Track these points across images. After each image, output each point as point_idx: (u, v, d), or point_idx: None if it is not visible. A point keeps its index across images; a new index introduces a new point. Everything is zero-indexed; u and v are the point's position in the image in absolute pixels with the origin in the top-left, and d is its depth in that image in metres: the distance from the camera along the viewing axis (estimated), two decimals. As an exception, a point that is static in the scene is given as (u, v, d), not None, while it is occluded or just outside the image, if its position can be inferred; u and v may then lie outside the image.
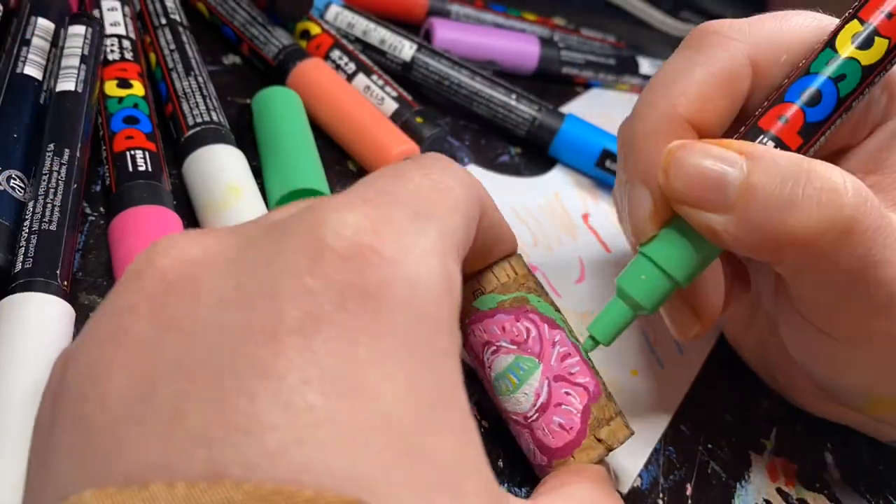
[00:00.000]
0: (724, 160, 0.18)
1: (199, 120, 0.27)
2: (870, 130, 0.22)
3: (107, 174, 0.25)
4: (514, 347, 0.19)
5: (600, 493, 0.18)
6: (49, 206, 0.22)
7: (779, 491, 0.25)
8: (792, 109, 0.19)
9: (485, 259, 0.20)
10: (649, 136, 0.20)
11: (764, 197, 0.18)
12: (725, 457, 0.25)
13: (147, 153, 0.25)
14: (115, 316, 0.12)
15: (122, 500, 0.10)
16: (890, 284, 0.18)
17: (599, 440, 0.19)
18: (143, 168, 0.24)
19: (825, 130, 0.19)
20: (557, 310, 0.20)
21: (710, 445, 0.25)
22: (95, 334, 0.12)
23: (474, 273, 0.20)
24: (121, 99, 0.27)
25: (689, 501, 0.23)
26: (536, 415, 0.19)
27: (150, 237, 0.22)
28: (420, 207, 0.14)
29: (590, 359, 0.20)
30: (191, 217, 0.26)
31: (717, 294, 0.22)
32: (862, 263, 0.18)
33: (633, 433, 0.20)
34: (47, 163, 0.23)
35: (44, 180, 0.22)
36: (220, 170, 0.25)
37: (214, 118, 0.27)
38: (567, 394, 0.19)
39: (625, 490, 0.22)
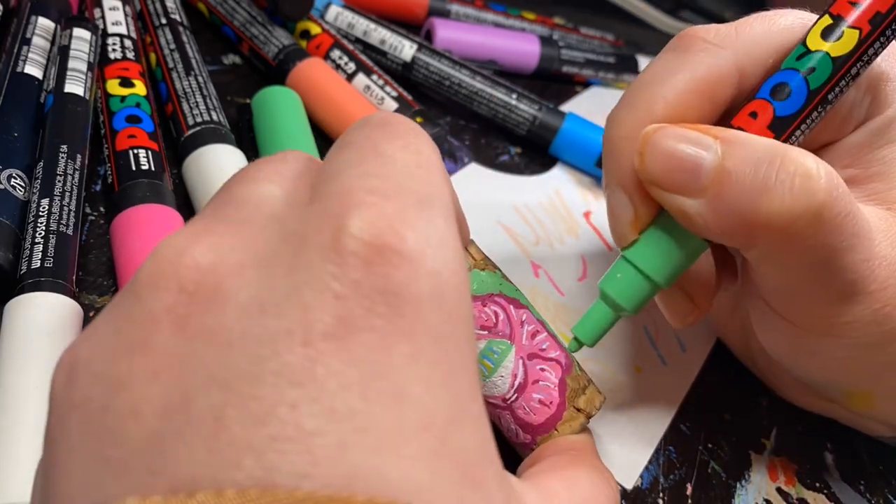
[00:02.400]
0: (699, 144, 0.18)
1: (199, 120, 0.27)
2: (853, 128, 0.22)
3: (108, 173, 0.25)
4: (485, 333, 0.19)
5: (598, 479, 0.18)
6: (66, 209, 0.22)
7: (779, 491, 0.25)
8: (761, 105, 0.19)
9: None
10: (626, 140, 0.20)
11: (737, 181, 0.18)
12: (725, 457, 0.25)
13: (150, 152, 0.25)
14: (134, 327, 0.12)
15: None
16: (853, 272, 0.19)
17: (578, 409, 0.19)
18: (145, 167, 0.24)
19: (797, 124, 0.19)
20: (517, 288, 0.21)
21: (710, 445, 0.25)
22: (111, 344, 0.12)
23: None
24: (123, 98, 0.27)
25: (689, 501, 0.23)
26: (515, 395, 0.19)
27: (152, 236, 0.22)
28: (419, 192, 0.13)
29: (554, 332, 0.20)
30: (191, 216, 0.26)
31: (710, 278, 0.22)
32: (829, 250, 0.18)
33: (605, 399, 0.20)
34: (61, 164, 0.23)
35: (58, 181, 0.22)
36: (220, 169, 0.25)
37: (214, 118, 0.27)
38: (542, 370, 0.19)
39: (629, 486, 0.22)
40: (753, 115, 0.19)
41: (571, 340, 0.21)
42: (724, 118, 0.21)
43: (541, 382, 0.19)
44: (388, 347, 0.11)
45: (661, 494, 0.23)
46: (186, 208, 0.26)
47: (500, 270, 0.21)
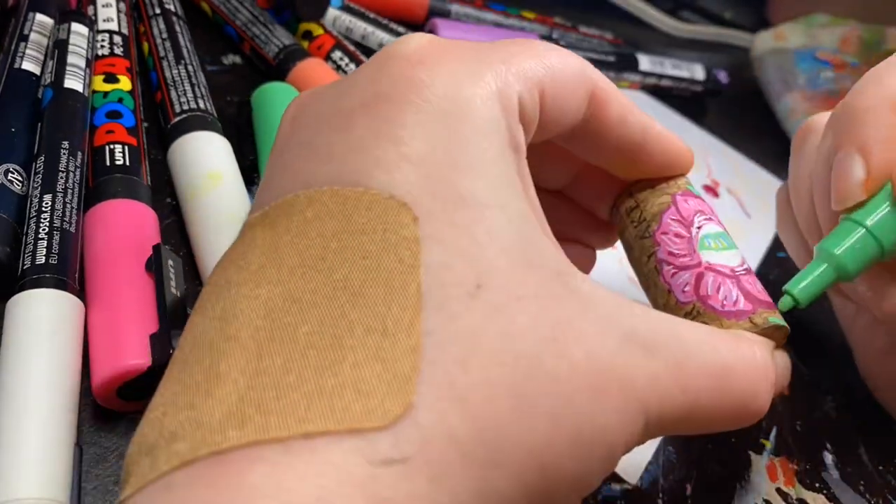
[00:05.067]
0: None
1: (185, 108, 0.27)
2: None
3: (86, 169, 0.25)
4: (722, 227, 0.21)
5: (759, 371, 0.17)
6: (68, 206, 0.22)
7: (779, 491, 0.25)
8: None
9: (650, 160, 0.21)
10: (870, 112, 0.21)
11: None
12: (725, 457, 0.25)
13: (127, 147, 0.25)
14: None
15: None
16: None
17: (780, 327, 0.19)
18: (120, 162, 0.24)
19: None
20: None
21: (710, 445, 0.25)
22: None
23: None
24: (106, 94, 0.27)
25: (689, 501, 0.23)
26: (744, 272, 0.20)
27: (123, 231, 0.22)
28: (500, 48, 0.17)
29: None
30: (174, 203, 0.26)
31: None
32: None
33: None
34: (63, 161, 0.23)
35: (60, 178, 0.22)
36: (203, 156, 0.25)
37: (202, 106, 0.28)
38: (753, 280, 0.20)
39: (633, 482, 0.22)
40: None
41: (784, 297, 0.20)
42: None
43: (759, 283, 0.20)
44: (401, 110, 0.15)
45: (660, 494, 0.23)
46: (171, 195, 0.26)
47: None
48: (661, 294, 0.20)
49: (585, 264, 0.24)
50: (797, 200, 0.25)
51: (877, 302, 0.22)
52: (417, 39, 0.16)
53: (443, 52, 0.16)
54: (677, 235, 0.21)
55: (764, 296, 0.20)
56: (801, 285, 0.20)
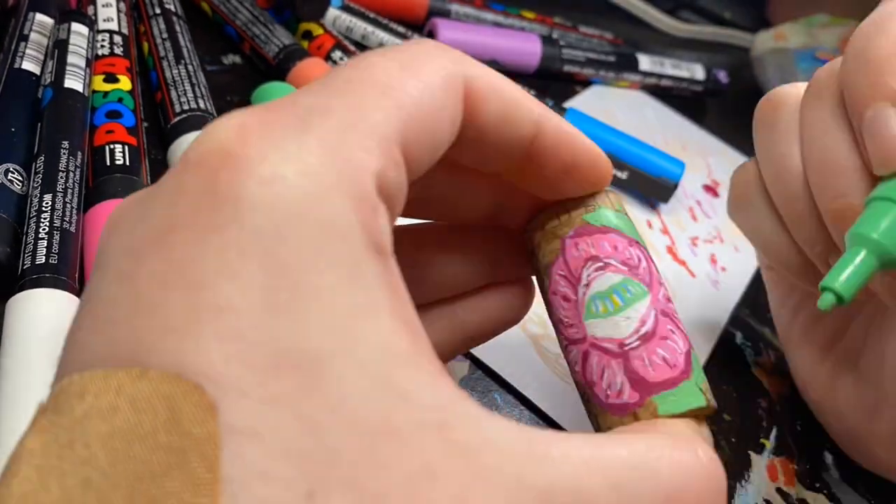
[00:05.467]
0: None
1: (185, 107, 0.27)
2: None
3: (86, 169, 0.25)
4: (625, 269, 0.17)
5: (692, 462, 0.13)
6: (68, 205, 0.22)
7: (779, 491, 0.25)
8: None
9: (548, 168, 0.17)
10: (894, 57, 0.18)
11: None
12: (725, 457, 0.25)
13: (127, 147, 0.25)
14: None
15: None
16: None
17: (701, 390, 0.16)
18: (120, 162, 0.24)
19: None
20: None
21: (710, 445, 0.25)
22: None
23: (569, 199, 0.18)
24: (106, 94, 0.27)
25: (690, 501, 0.23)
26: (638, 343, 0.16)
27: None
28: (322, 105, 0.12)
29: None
30: None
31: None
32: None
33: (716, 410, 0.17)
34: (63, 161, 0.23)
35: (61, 178, 0.22)
36: None
37: (202, 106, 0.28)
38: (672, 331, 0.16)
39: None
40: None
41: (824, 296, 0.17)
42: None
43: (668, 342, 0.16)
44: (200, 241, 0.11)
45: (660, 494, 0.23)
46: None
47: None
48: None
49: (523, 303, 0.20)
50: (778, 184, 0.22)
51: (889, 297, 0.20)
52: (226, 125, 0.12)
53: (257, 139, 0.12)
54: (565, 298, 0.17)
55: (663, 370, 0.16)
56: (842, 277, 0.17)
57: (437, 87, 0.13)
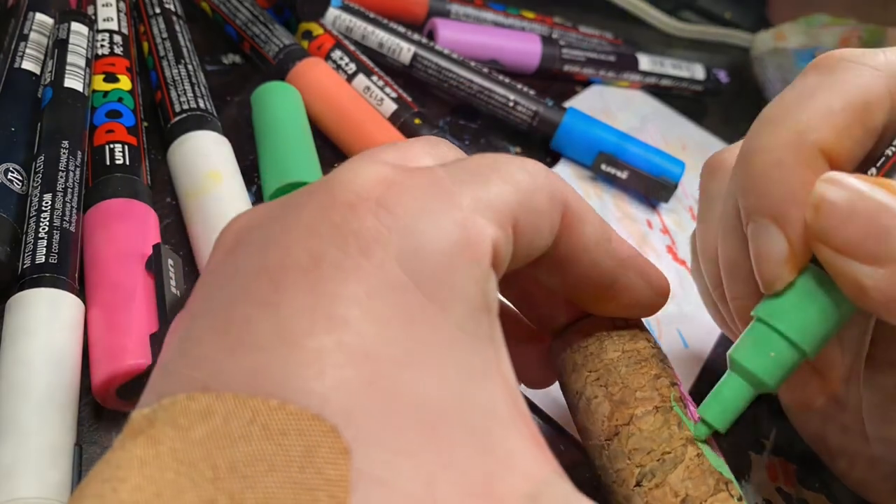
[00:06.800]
0: (891, 206, 0.15)
1: (185, 107, 0.27)
2: None
3: (85, 168, 0.25)
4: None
5: None
6: (68, 205, 0.22)
7: (779, 491, 0.25)
8: None
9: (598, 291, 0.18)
10: (777, 167, 0.17)
11: None
12: (726, 457, 0.25)
13: (126, 147, 0.25)
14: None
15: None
16: None
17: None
18: (120, 161, 0.24)
19: None
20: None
21: (710, 445, 0.25)
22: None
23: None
24: (106, 93, 0.27)
25: (690, 501, 0.23)
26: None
27: (123, 230, 0.22)
28: (467, 176, 0.14)
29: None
30: (174, 202, 0.26)
31: (840, 347, 0.19)
32: None
33: None
34: (63, 160, 0.23)
35: (60, 177, 0.22)
36: (203, 156, 0.26)
37: (202, 105, 0.28)
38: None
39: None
40: None
41: (698, 424, 0.17)
42: (874, 150, 0.18)
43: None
44: (343, 282, 0.12)
45: (660, 494, 0.23)
46: (171, 195, 0.26)
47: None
48: None
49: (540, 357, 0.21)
50: (704, 249, 0.22)
51: (793, 400, 0.20)
52: (367, 171, 0.13)
53: (401, 191, 0.13)
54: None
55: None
56: (716, 409, 0.17)
57: (545, 192, 0.15)
